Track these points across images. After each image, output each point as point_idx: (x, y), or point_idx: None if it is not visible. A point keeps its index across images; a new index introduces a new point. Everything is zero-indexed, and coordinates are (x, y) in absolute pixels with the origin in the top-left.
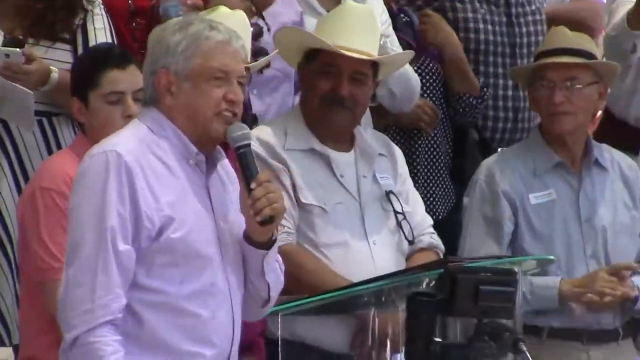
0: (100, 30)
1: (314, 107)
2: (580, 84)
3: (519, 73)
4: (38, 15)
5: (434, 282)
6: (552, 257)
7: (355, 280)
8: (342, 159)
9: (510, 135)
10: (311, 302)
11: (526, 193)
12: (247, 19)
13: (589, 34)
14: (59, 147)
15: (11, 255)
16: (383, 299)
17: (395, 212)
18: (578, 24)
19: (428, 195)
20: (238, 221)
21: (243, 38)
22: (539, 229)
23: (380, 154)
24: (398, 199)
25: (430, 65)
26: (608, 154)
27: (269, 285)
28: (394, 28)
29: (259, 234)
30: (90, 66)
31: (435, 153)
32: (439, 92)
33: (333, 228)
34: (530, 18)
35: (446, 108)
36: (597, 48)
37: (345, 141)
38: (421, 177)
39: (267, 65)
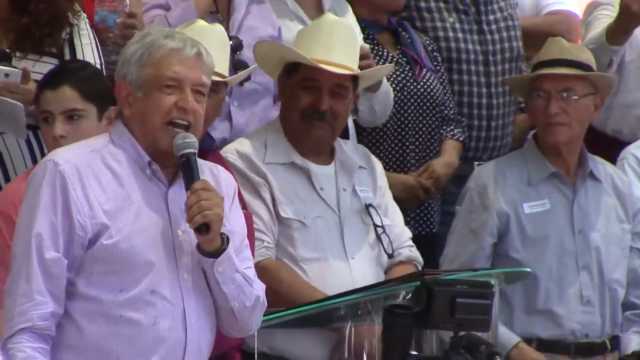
0: (87, 45)
1: (294, 120)
2: (576, 95)
3: (515, 83)
4: (24, 29)
5: (410, 295)
6: (528, 269)
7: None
8: (322, 172)
9: (484, 144)
10: (288, 314)
11: (520, 202)
12: (225, 32)
13: None
14: None
15: None
16: (360, 311)
17: (375, 226)
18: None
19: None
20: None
21: (221, 51)
22: (532, 238)
23: (360, 167)
24: (377, 212)
25: (432, 77)
26: (602, 166)
27: (226, 295)
28: (397, 43)
29: (203, 243)
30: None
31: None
32: (439, 103)
33: (312, 242)
34: (502, 24)
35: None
36: None
37: (325, 154)
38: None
39: (248, 78)
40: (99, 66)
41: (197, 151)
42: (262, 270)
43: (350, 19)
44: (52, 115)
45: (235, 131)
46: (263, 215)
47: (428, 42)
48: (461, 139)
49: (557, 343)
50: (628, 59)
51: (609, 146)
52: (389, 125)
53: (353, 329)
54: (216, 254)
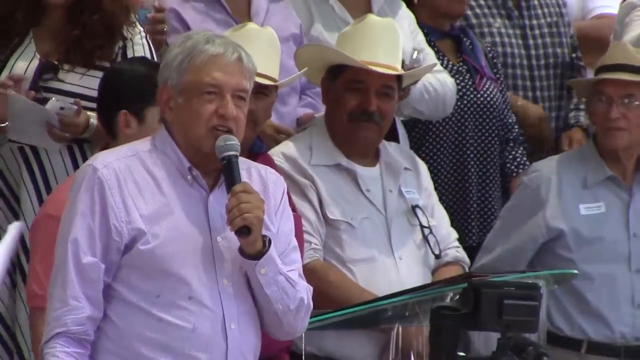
0: None
1: (341, 123)
2: (638, 101)
3: (579, 85)
4: (74, 40)
5: (458, 296)
6: (575, 272)
7: (382, 295)
8: (368, 174)
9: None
10: (336, 316)
11: (576, 203)
12: (276, 35)
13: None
14: None
15: None
16: (407, 313)
17: (422, 226)
18: (598, 41)
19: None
20: None
21: (272, 53)
22: (586, 240)
23: (405, 168)
24: (424, 213)
25: (492, 86)
26: None
27: (269, 297)
28: (458, 51)
29: (244, 245)
30: (152, 84)
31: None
32: (499, 112)
33: (360, 243)
34: (546, 30)
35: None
36: None
37: (371, 156)
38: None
39: None
40: None
41: (238, 153)
42: (310, 272)
43: (403, 18)
44: None
45: None
46: (310, 217)
47: (489, 48)
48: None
49: (607, 345)
50: None
51: None
52: (448, 134)
53: (401, 330)
54: (258, 256)
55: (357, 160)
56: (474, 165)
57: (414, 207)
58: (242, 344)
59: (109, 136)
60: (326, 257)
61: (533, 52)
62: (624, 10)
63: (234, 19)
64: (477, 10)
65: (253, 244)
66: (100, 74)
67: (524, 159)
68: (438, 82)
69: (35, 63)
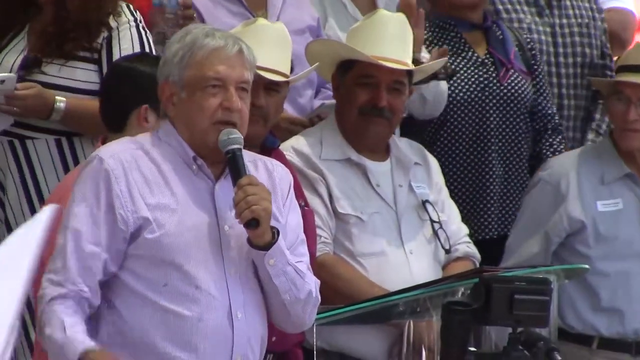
0: (126, 50)
1: (352, 118)
2: None
3: (599, 83)
4: (50, 33)
5: (469, 292)
6: (587, 267)
7: (392, 290)
8: (378, 169)
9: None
10: (347, 311)
11: (594, 200)
12: (286, 31)
13: (619, 45)
14: None
15: None
16: (418, 308)
17: (432, 221)
18: (610, 35)
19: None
20: None
21: (283, 49)
22: (603, 236)
23: (415, 163)
24: (434, 208)
25: (519, 79)
26: None
27: (278, 288)
28: (487, 42)
29: (253, 237)
30: None
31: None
32: (526, 105)
33: (370, 237)
34: (575, 29)
35: (530, 122)
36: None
37: (381, 151)
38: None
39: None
40: None
41: (242, 147)
42: (319, 265)
43: None
44: None
45: None
46: (320, 211)
47: (528, 41)
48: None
49: (618, 341)
50: None
51: None
52: (467, 127)
53: (412, 325)
54: (267, 247)
55: (367, 155)
56: (496, 157)
57: (424, 202)
58: (248, 332)
59: (109, 129)
60: (336, 251)
61: (561, 50)
62: None
63: (249, 11)
64: (509, 6)
65: (262, 236)
66: (81, 64)
67: (561, 147)
68: (431, 92)
69: (22, 57)
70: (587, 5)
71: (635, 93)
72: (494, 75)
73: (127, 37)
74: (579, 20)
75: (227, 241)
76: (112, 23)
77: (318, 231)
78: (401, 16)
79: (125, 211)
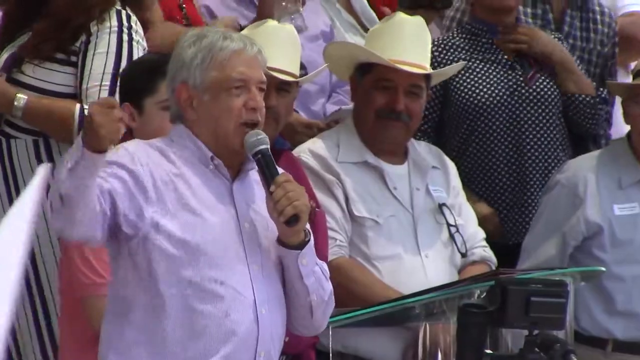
0: (101, 54)
1: (369, 121)
2: None
3: (616, 87)
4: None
5: (485, 294)
6: (603, 269)
7: (407, 293)
8: (396, 172)
9: None
10: (362, 314)
11: (611, 204)
12: (295, 32)
13: (637, 49)
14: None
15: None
16: (434, 310)
17: (448, 225)
18: (626, 39)
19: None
20: (272, 226)
21: (293, 50)
22: (620, 240)
23: (433, 167)
24: (451, 212)
25: (547, 81)
26: None
27: (308, 288)
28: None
29: (289, 235)
30: (148, 73)
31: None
32: (557, 107)
33: (386, 241)
34: (577, 53)
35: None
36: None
37: (399, 154)
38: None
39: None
40: (108, 76)
41: (269, 146)
42: (335, 269)
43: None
44: None
45: None
46: (336, 214)
47: (560, 42)
48: None
49: (634, 344)
50: None
51: None
52: (501, 132)
53: (427, 328)
54: (301, 246)
55: (384, 157)
56: (533, 160)
57: (440, 206)
58: (271, 329)
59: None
60: (352, 254)
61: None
62: None
63: None
64: (521, 16)
65: (299, 233)
66: (57, 66)
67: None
68: None
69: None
70: (600, 28)
71: None
72: (521, 78)
73: (104, 41)
74: (584, 44)
75: (249, 238)
76: (93, 28)
77: (334, 234)
78: (419, 19)
79: (149, 192)
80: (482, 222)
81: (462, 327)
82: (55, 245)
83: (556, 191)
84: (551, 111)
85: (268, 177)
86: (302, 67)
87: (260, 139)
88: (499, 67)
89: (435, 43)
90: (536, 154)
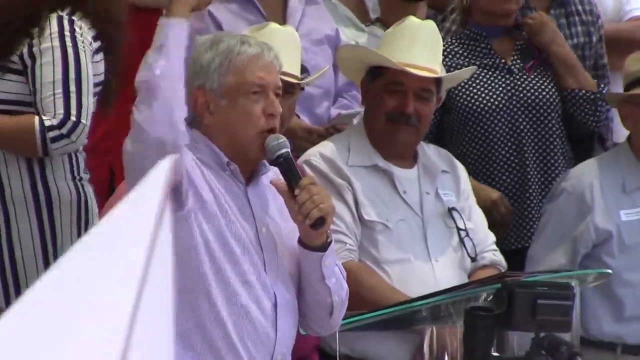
0: (47, 64)
1: (379, 124)
2: None
3: (612, 98)
4: None
5: (491, 297)
6: (609, 271)
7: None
8: (405, 176)
9: None
10: (370, 317)
11: (617, 209)
12: (297, 35)
13: None
14: None
15: None
16: (441, 314)
17: (458, 229)
18: (632, 43)
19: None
20: (289, 230)
21: (295, 52)
22: (627, 246)
23: (443, 171)
24: (461, 216)
25: (541, 82)
26: None
27: (330, 289)
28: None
29: (313, 238)
30: None
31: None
32: (556, 110)
33: (395, 245)
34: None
35: (563, 122)
36: None
37: (409, 158)
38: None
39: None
40: (59, 83)
41: (289, 150)
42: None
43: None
44: None
45: None
46: (346, 218)
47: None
48: None
49: None
50: None
51: None
52: (501, 137)
53: (434, 331)
54: (324, 247)
55: (394, 161)
56: (533, 164)
57: (450, 210)
58: (286, 333)
59: None
60: (361, 258)
61: None
62: None
63: (267, 21)
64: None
65: (323, 235)
66: (9, 76)
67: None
68: None
69: None
70: (585, 18)
71: None
72: (520, 82)
73: (49, 50)
74: (574, 41)
75: (266, 242)
76: (34, 40)
77: (344, 238)
78: (431, 23)
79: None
80: (493, 206)
81: (469, 330)
82: (30, 207)
83: (562, 199)
84: (550, 115)
85: (292, 181)
86: (306, 70)
87: (281, 143)
88: (497, 71)
89: None
90: (534, 157)
